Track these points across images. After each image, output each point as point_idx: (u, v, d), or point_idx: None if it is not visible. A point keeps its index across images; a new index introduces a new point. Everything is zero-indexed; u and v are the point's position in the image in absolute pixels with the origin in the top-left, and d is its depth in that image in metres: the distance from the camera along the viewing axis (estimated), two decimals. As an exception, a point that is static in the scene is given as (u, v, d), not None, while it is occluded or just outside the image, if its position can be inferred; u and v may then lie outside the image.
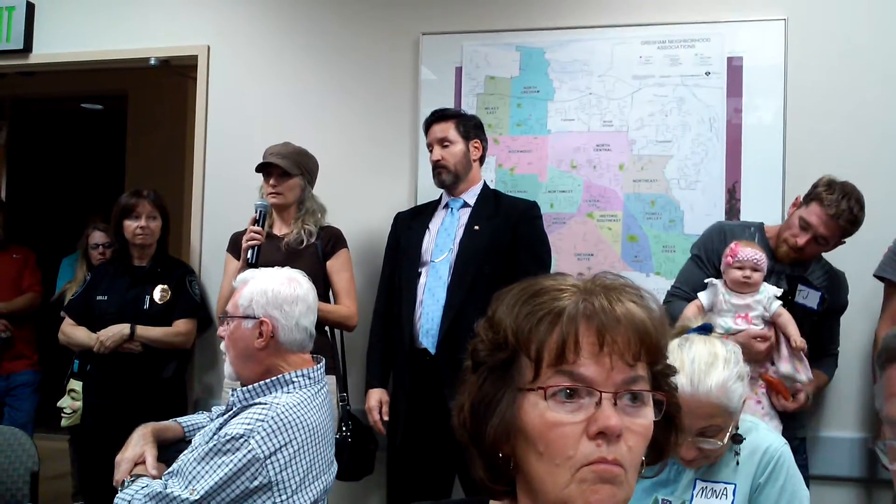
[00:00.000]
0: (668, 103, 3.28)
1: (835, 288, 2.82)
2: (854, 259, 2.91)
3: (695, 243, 2.98)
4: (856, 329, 3.02)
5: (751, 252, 2.67)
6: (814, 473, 2.96)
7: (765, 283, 2.70)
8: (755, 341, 2.63)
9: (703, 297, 2.75)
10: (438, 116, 3.08)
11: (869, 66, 3.13)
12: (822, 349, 2.84)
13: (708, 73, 3.25)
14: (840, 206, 2.62)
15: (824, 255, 2.85)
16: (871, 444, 2.86)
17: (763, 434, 1.87)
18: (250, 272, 2.18)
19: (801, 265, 2.77)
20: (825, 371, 2.88)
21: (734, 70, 3.23)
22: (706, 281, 2.79)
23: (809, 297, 2.75)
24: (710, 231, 2.95)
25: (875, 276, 2.89)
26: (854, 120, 3.13)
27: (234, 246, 3.22)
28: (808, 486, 2.69)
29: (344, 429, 3.02)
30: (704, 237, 2.94)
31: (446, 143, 3.02)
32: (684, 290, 2.86)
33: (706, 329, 1.84)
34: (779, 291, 2.69)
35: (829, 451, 3.06)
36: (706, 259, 2.85)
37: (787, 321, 2.66)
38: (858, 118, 3.12)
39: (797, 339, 2.63)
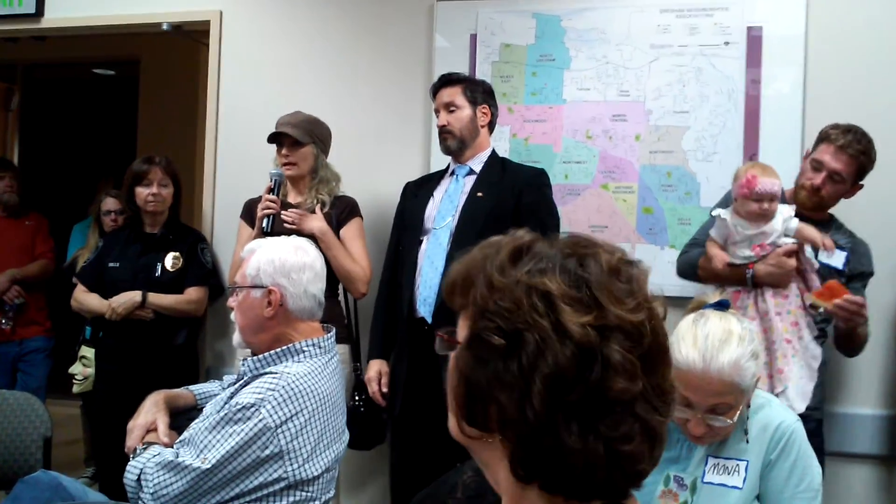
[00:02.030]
0: (686, 73, 3.23)
1: (858, 252, 2.75)
2: (879, 229, 2.89)
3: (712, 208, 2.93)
4: (878, 303, 2.99)
5: (769, 183, 2.53)
6: (834, 450, 2.95)
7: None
8: (786, 259, 2.55)
9: (713, 233, 2.68)
10: (446, 81, 3.03)
11: (890, 36, 3.07)
12: None
13: (727, 43, 3.19)
14: (847, 138, 2.63)
15: (846, 225, 2.80)
16: None
17: (776, 410, 1.86)
18: (257, 242, 2.17)
19: (821, 227, 2.67)
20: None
21: (753, 40, 3.17)
22: (713, 213, 2.71)
23: (835, 257, 2.68)
24: (727, 194, 2.88)
25: None
26: (875, 91, 3.07)
27: (248, 213, 3.21)
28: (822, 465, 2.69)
29: (357, 398, 3.02)
30: (723, 199, 2.88)
31: (453, 108, 2.97)
32: (700, 240, 2.81)
33: (723, 305, 1.82)
34: (790, 209, 2.60)
35: (849, 428, 3.03)
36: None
37: (809, 230, 2.58)
38: (879, 89, 3.07)
39: (824, 240, 2.58)
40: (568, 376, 0.83)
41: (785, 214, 2.59)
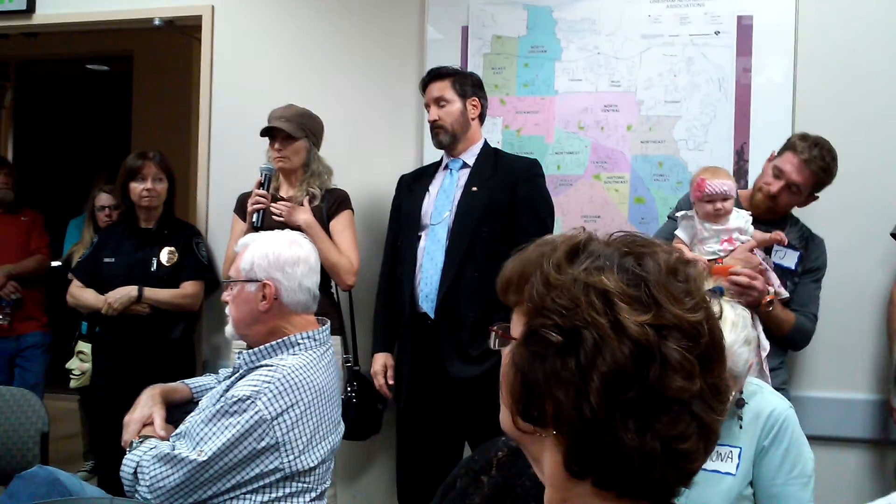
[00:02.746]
0: (677, 63, 3.24)
1: (810, 250, 2.80)
2: (868, 217, 2.92)
3: (670, 212, 2.98)
4: (871, 290, 3.01)
5: (718, 183, 2.61)
6: (826, 434, 2.98)
7: (735, 209, 2.67)
8: (751, 254, 2.60)
9: (680, 233, 2.71)
10: (435, 75, 3.03)
11: (880, 25, 3.08)
12: (797, 309, 2.76)
13: (717, 33, 3.20)
14: (812, 153, 2.64)
15: (802, 220, 2.84)
16: None
17: (767, 397, 1.88)
18: (251, 236, 2.18)
19: (774, 226, 2.72)
20: (797, 317, 2.75)
21: (744, 29, 3.18)
22: (677, 214, 2.75)
23: (787, 257, 2.74)
24: (687, 194, 2.92)
25: (892, 234, 2.91)
26: (864, 80, 3.08)
27: (241, 207, 3.22)
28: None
29: (349, 389, 3.04)
30: (682, 199, 2.93)
31: (443, 103, 2.98)
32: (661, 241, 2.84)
33: (717, 292, 1.84)
34: (746, 213, 2.65)
35: (840, 413, 3.05)
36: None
37: (761, 235, 2.64)
38: (869, 78, 3.08)
39: (774, 234, 2.63)
40: (626, 374, 0.83)
41: (743, 217, 2.65)
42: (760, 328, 2.61)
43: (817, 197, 2.77)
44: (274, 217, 3.00)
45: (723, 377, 0.90)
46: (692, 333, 0.86)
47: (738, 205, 2.73)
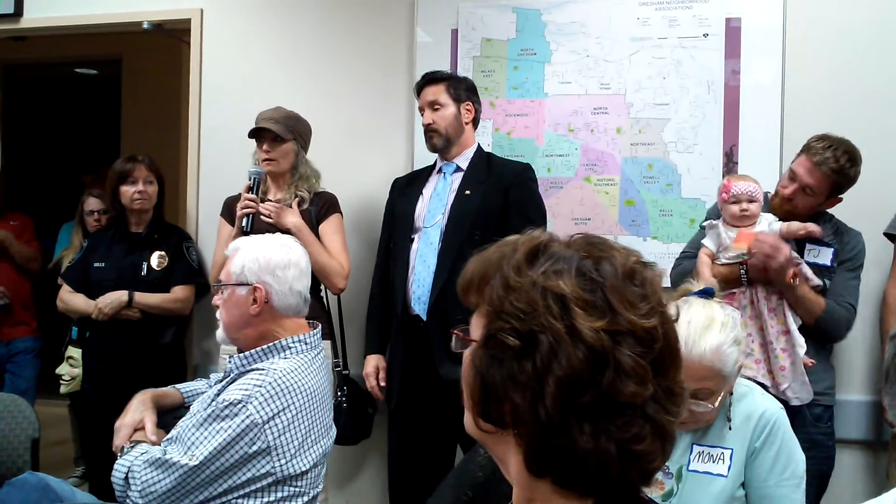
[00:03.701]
0: (666, 66, 3.25)
1: (844, 242, 2.76)
2: (863, 216, 2.92)
3: (702, 221, 2.95)
4: (864, 291, 3.00)
5: (743, 185, 2.65)
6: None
7: (762, 213, 2.68)
8: (780, 244, 2.58)
9: (707, 242, 2.72)
10: (429, 79, 3.05)
11: (867, 26, 3.10)
12: (832, 298, 2.70)
13: (706, 35, 3.22)
14: (824, 155, 2.61)
15: (835, 214, 2.81)
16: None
17: (758, 399, 1.88)
18: (241, 240, 2.18)
19: (808, 220, 2.70)
20: (828, 303, 2.68)
21: (732, 31, 3.19)
22: (703, 224, 2.77)
23: (821, 255, 2.71)
24: (713, 206, 2.94)
25: (885, 234, 2.92)
26: (853, 81, 3.10)
27: (228, 210, 3.21)
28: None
29: (339, 394, 3.04)
30: (711, 208, 2.94)
31: (437, 107, 2.99)
32: (692, 252, 2.83)
33: (708, 293, 1.85)
34: (774, 217, 2.65)
35: (836, 414, 3.02)
36: None
37: (793, 225, 2.63)
38: (857, 80, 3.10)
39: (807, 226, 2.62)
40: (580, 379, 0.85)
41: (770, 219, 2.66)
42: (795, 326, 2.60)
43: (841, 199, 2.73)
44: (263, 219, 2.99)
45: (677, 380, 0.92)
46: (646, 339, 0.88)
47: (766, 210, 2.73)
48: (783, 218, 2.71)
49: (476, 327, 0.95)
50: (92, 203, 4.21)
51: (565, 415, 0.85)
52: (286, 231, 2.86)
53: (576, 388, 0.85)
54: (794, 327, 2.61)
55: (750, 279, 2.62)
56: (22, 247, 4.31)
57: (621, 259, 0.92)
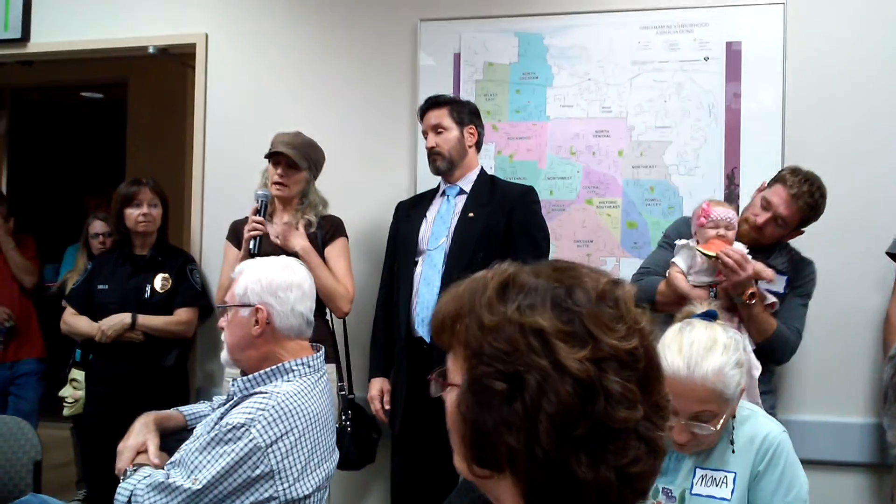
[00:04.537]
0: (667, 89, 3.27)
1: (797, 273, 2.81)
2: (865, 236, 2.95)
3: (659, 240, 3.00)
4: (867, 312, 3.02)
5: (723, 211, 2.67)
6: (823, 459, 2.98)
7: (735, 243, 2.69)
8: (746, 262, 2.59)
9: (679, 260, 2.72)
10: (433, 103, 3.07)
11: (867, 50, 3.12)
12: (781, 322, 2.74)
13: (707, 59, 3.24)
14: (802, 188, 2.66)
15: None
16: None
17: (762, 421, 1.88)
18: (246, 262, 2.19)
19: (762, 252, 2.74)
20: (779, 325, 2.72)
21: (733, 55, 3.22)
22: (677, 242, 2.77)
23: (775, 284, 2.74)
24: (676, 222, 2.98)
25: (887, 253, 2.93)
26: (853, 105, 3.12)
27: (234, 234, 3.23)
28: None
29: (343, 418, 3.03)
30: (670, 228, 2.97)
31: (440, 130, 3.02)
32: (653, 269, 2.86)
33: (711, 315, 1.85)
34: (743, 246, 2.66)
35: (838, 437, 3.05)
36: (673, 243, 2.84)
37: (758, 266, 2.65)
38: (857, 103, 3.12)
39: (765, 272, 2.64)
40: (572, 412, 0.84)
41: (743, 248, 2.66)
42: (751, 349, 2.62)
43: (802, 232, 2.79)
44: (272, 240, 3.00)
45: (663, 394, 0.92)
46: (629, 361, 0.88)
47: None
48: (748, 243, 2.73)
49: (455, 371, 0.94)
50: (97, 226, 4.23)
51: (562, 450, 0.85)
52: (293, 254, 2.87)
53: (569, 422, 0.84)
54: (750, 350, 2.61)
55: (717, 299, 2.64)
56: (18, 255, 4.31)
57: (592, 283, 0.91)
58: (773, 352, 2.75)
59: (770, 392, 2.82)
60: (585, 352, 0.86)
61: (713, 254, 2.60)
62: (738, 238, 2.75)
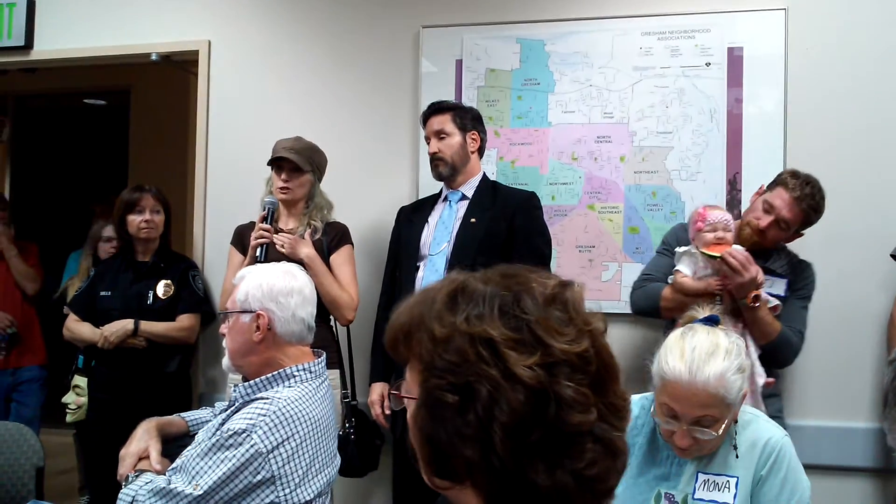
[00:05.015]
0: (669, 94, 3.28)
1: (796, 275, 2.81)
2: (869, 239, 2.95)
3: (658, 247, 3.01)
4: (871, 315, 3.01)
5: (719, 213, 2.68)
6: (827, 464, 2.97)
7: (734, 245, 2.68)
8: (750, 265, 2.60)
9: (682, 267, 2.72)
10: (435, 109, 3.08)
11: (869, 55, 3.13)
12: (784, 325, 2.73)
13: (708, 64, 3.24)
14: (804, 190, 2.67)
15: (789, 246, 2.85)
16: None
17: (763, 426, 1.88)
18: (248, 268, 2.19)
19: (761, 256, 2.73)
20: (783, 327, 2.71)
21: (734, 60, 3.22)
22: (677, 250, 2.77)
23: (775, 285, 2.76)
24: (673, 229, 2.99)
25: (892, 255, 2.93)
26: (854, 110, 3.12)
27: (239, 239, 3.23)
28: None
29: (347, 425, 3.03)
30: (668, 234, 2.97)
31: (443, 136, 3.02)
32: (655, 275, 2.86)
33: (713, 321, 1.85)
34: (742, 248, 2.65)
35: (842, 442, 3.04)
36: (673, 250, 2.85)
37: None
38: (859, 108, 3.12)
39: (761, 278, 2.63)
40: (525, 420, 0.84)
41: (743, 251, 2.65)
42: (756, 355, 2.62)
43: (802, 234, 2.79)
44: (278, 249, 3.00)
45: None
46: (580, 365, 0.87)
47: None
48: (749, 248, 2.72)
49: (411, 384, 0.94)
50: (109, 230, 4.23)
51: (518, 458, 0.84)
52: (299, 261, 2.87)
53: (522, 429, 0.84)
54: (754, 356, 2.62)
55: (723, 304, 2.64)
56: (20, 263, 4.32)
57: (540, 288, 0.91)
58: (778, 354, 2.74)
59: (776, 395, 2.81)
60: (535, 358, 0.85)
61: (717, 254, 2.60)
62: (741, 242, 2.74)
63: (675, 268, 2.75)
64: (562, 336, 0.87)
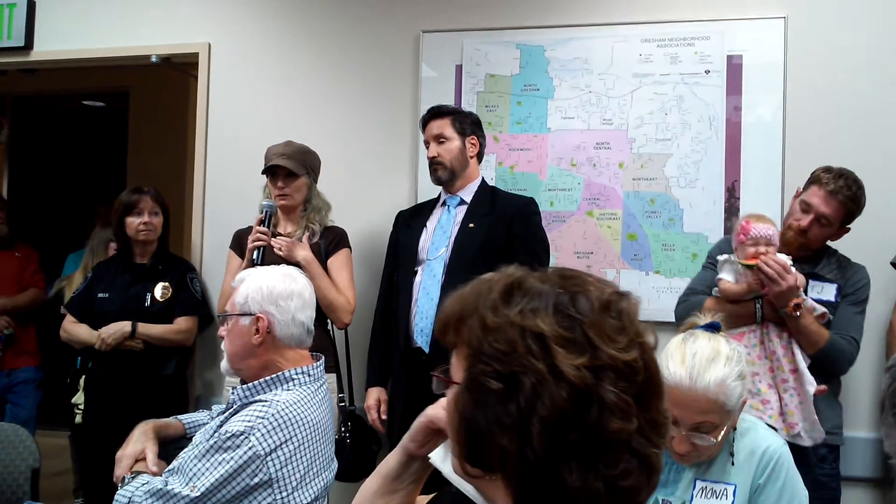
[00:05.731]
0: (668, 101, 3.29)
1: (847, 276, 2.76)
2: (868, 246, 2.94)
3: (704, 262, 2.96)
4: (871, 323, 2.99)
5: (763, 228, 2.63)
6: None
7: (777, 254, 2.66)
8: (786, 272, 2.55)
9: (725, 275, 2.70)
10: (435, 113, 3.08)
11: (868, 63, 3.14)
12: (835, 332, 2.67)
13: (707, 72, 3.25)
14: (838, 183, 2.65)
15: (839, 249, 2.82)
16: None
17: (762, 434, 1.88)
18: (247, 271, 2.19)
19: (810, 262, 2.72)
20: (832, 335, 2.64)
21: (734, 68, 3.23)
22: (719, 258, 2.73)
23: (825, 291, 2.71)
24: (719, 242, 2.96)
25: (892, 263, 2.94)
26: (853, 118, 3.13)
27: (238, 243, 3.23)
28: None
29: (343, 429, 3.02)
30: (713, 249, 2.94)
31: (442, 140, 3.03)
32: (699, 289, 2.82)
33: (714, 327, 1.85)
34: (786, 257, 2.61)
35: (842, 451, 3.00)
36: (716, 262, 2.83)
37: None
38: (858, 116, 3.13)
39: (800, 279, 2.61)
40: (565, 418, 0.84)
41: (784, 261, 2.62)
42: (804, 365, 2.58)
43: (849, 229, 2.75)
44: (275, 251, 3.00)
45: (661, 410, 0.91)
46: (627, 373, 0.87)
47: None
48: (796, 251, 2.70)
49: (456, 369, 0.94)
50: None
51: (553, 455, 0.85)
52: (296, 264, 2.87)
53: (562, 427, 0.84)
54: (803, 365, 2.58)
55: (763, 315, 2.61)
56: (19, 298, 4.32)
57: (597, 292, 0.91)
58: (829, 364, 2.67)
59: (833, 409, 2.72)
60: (583, 359, 0.86)
61: (753, 263, 2.58)
62: (785, 245, 2.71)
63: (718, 276, 2.72)
64: (613, 342, 0.88)
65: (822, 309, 2.64)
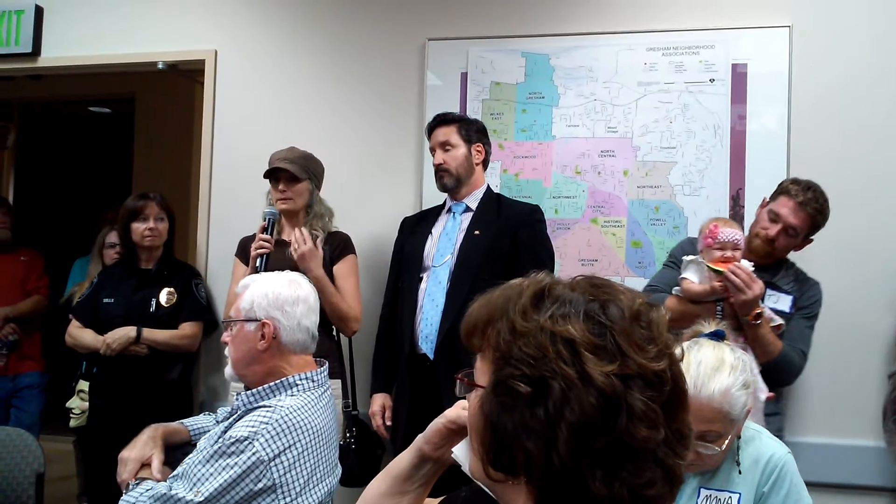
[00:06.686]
0: (673, 110, 3.29)
1: (803, 291, 2.82)
2: (875, 257, 2.96)
3: (665, 260, 3.00)
4: (877, 335, 3.01)
5: (731, 232, 2.66)
6: (832, 482, 2.96)
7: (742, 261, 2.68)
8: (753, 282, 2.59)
9: (689, 274, 2.72)
10: (441, 120, 3.10)
11: (872, 72, 3.14)
12: (787, 343, 2.72)
13: (712, 80, 3.26)
14: (807, 195, 2.70)
15: (801, 266, 2.86)
16: None
17: (766, 442, 1.88)
18: (252, 277, 2.19)
19: (768, 271, 2.75)
20: (784, 346, 2.70)
21: (738, 77, 3.24)
22: (685, 258, 2.75)
23: (780, 301, 2.77)
24: (680, 243, 2.99)
25: None
26: (858, 127, 3.13)
27: (243, 250, 3.23)
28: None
29: (348, 435, 3.02)
30: (675, 248, 2.97)
31: (448, 147, 3.04)
32: (660, 287, 2.86)
33: (718, 335, 1.85)
34: (750, 264, 2.63)
35: (848, 460, 3.03)
36: (679, 264, 2.85)
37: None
38: (862, 125, 3.13)
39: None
40: (593, 425, 0.84)
41: (749, 267, 2.65)
42: (758, 371, 2.62)
43: (812, 240, 2.80)
44: (279, 258, 3.00)
45: (686, 422, 0.91)
46: (656, 382, 0.87)
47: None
48: (762, 259, 2.74)
49: (482, 372, 0.94)
50: (113, 236, 4.23)
51: (578, 461, 0.84)
52: (297, 266, 2.87)
53: (589, 433, 0.84)
54: (756, 372, 2.60)
55: (724, 318, 2.63)
56: (21, 306, 4.33)
57: (627, 301, 0.91)
58: (778, 373, 2.72)
59: (777, 414, 2.81)
60: (613, 367, 0.86)
61: (721, 269, 2.60)
62: (752, 252, 2.76)
63: (682, 275, 2.74)
64: (643, 352, 0.88)
65: (779, 320, 2.70)
